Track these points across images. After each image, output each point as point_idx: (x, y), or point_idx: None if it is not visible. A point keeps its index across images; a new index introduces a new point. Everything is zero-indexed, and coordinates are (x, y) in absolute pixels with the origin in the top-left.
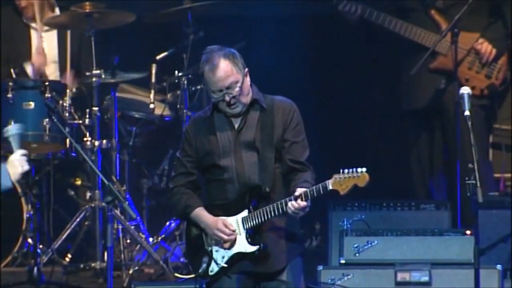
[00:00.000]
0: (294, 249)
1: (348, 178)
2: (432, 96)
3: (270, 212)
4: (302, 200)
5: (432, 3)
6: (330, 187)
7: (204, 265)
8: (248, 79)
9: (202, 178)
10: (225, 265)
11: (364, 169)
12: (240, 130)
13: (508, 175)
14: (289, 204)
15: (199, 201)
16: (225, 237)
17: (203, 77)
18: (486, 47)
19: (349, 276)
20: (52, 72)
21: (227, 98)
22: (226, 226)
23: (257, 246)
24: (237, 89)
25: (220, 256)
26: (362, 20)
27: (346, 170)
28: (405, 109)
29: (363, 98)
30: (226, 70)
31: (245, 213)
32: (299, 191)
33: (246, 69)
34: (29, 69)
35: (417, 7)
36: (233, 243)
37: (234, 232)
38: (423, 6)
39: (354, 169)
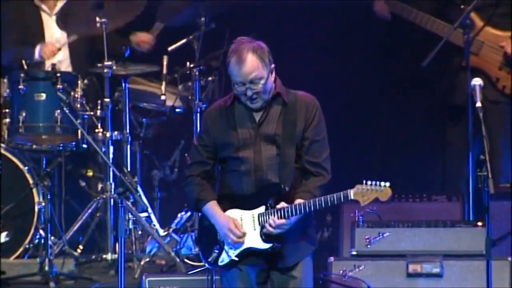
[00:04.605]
0: (307, 248)
1: (371, 191)
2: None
3: (289, 212)
4: (280, 217)
5: (469, 1)
6: (352, 197)
7: (214, 254)
8: (273, 75)
9: (216, 168)
10: (236, 258)
11: (387, 184)
12: (261, 123)
13: None
14: (269, 220)
15: (212, 194)
16: (234, 238)
17: (228, 66)
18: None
19: (361, 268)
20: (65, 58)
21: (249, 93)
22: (236, 227)
23: (271, 244)
24: (260, 85)
25: (232, 249)
26: (394, 17)
27: (369, 182)
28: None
29: (375, 91)
30: (252, 65)
31: (262, 209)
32: (282, 205)
33: (273, 65)
34: (37, 52)
35: (457, 2)
36: (246, 238)
37: (244, 234)
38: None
39: (378, 182)
